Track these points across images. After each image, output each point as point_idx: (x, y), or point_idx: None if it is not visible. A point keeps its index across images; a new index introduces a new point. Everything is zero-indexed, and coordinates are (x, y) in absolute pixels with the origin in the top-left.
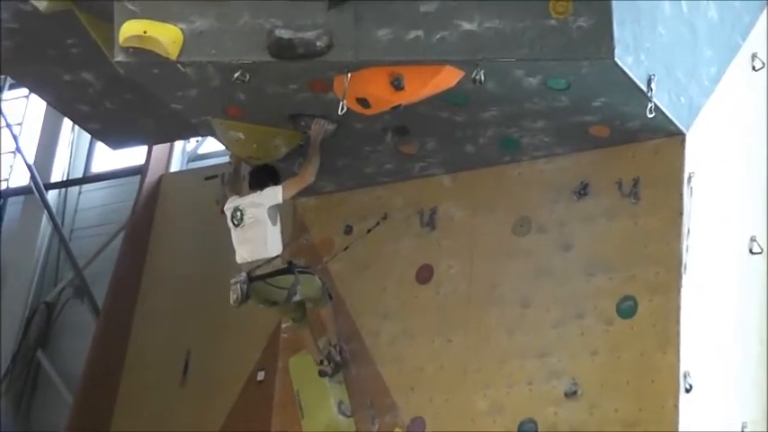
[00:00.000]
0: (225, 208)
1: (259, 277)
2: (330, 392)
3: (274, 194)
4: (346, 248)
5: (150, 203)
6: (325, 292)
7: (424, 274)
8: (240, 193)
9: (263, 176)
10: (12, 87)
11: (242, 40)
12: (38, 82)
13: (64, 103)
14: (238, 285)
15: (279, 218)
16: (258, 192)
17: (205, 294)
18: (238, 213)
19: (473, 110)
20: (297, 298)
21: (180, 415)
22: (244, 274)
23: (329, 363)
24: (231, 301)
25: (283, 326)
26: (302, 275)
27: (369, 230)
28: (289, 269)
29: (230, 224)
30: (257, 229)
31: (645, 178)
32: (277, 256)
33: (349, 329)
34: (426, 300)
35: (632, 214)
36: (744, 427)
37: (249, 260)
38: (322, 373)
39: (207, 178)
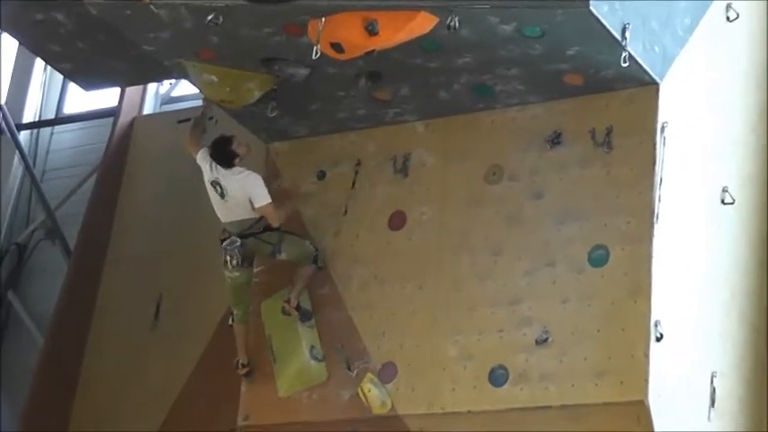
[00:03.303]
0: (203, 167)
1: (250, 234)
2: (302, 337)
3: (262, 197)
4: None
5: (123, 146)
6: (310, 257)
7: (397, 221)
8: (200, 141)
9: (224, 158)
10: None
11: None
12: (9, 21)
13: (36, 42)
14: (236, 250)
15: None
16: (246, 177)
17: (177, 238)
18: (218, 188)
19: (447, 56)
20: (282, 257)
21: (151, 358)
22: (237, 239)
23: (297, 309)
24: (229, 266)
25: (255, 270)
26: (288, 235)
27: (353, 185)
28: (274, 226)
29: (210, 187)
30: (243, 203)
31: (618, 128)
32: (262, 217)
33: (321, 274)
34: (398, 246)
35: (605, 163)
36: (713, 376)
37: (235, 220)
38: (284, 310)
39: (180, 121)
